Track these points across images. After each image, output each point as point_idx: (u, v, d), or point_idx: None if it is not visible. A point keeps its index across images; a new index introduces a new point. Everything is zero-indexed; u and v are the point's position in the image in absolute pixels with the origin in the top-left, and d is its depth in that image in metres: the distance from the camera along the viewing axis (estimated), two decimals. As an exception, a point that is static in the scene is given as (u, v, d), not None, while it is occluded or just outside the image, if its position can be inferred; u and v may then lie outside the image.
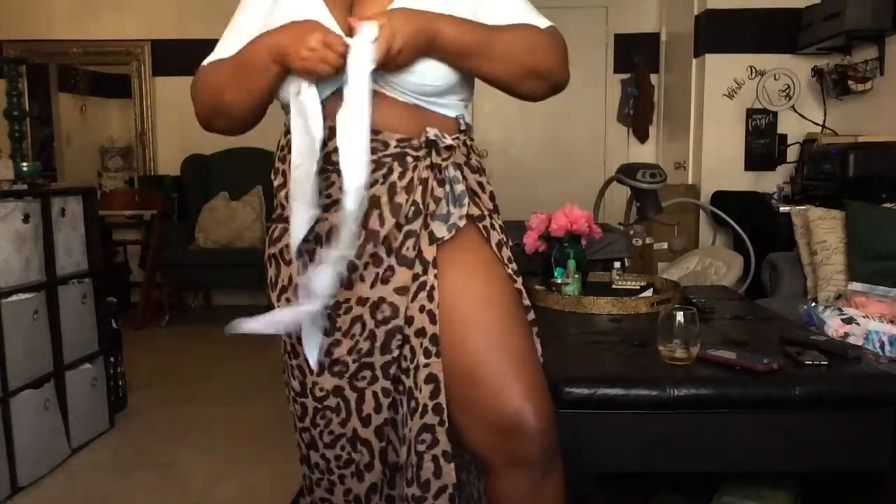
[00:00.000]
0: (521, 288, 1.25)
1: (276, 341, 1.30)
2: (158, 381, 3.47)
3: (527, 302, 1.26)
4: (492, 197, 1.28)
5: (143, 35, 5.13)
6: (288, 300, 1.22)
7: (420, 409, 1.16)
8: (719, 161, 4.18)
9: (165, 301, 4.70)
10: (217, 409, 3.09)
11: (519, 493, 1.16)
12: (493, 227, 1.24)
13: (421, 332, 1.16)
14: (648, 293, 2.15)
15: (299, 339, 1.21)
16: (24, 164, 2.69)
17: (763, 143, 4.09)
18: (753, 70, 4.06)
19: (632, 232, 3.04)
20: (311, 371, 1.21)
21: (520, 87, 1.20)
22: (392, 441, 1.23)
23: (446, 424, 1.16)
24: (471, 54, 1.14)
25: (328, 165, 1.14)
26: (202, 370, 3.72)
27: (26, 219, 2.37)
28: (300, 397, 1.25)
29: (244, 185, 4.81)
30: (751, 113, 4.09)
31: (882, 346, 1.77)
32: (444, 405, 1.15)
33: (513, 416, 1.13)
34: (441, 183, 1.18)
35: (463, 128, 1.24)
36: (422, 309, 1.16)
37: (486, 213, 1.24)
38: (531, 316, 1.28)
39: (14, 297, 2.30)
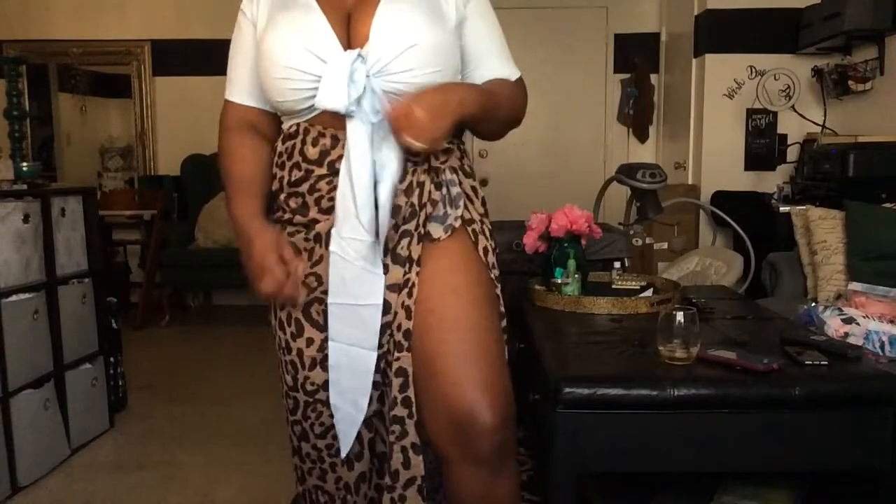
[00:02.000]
0: (499, 294, 1.29)
1: (271, 342, 1.32)
2: (158, 381, 3.47)
3: (502, 309, 1.29)
4: (483, 202, 1.32)
5: (143, 35, 5.13)
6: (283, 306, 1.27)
7: (390, 401, 1.20)
8: (719, 161, 4.17)
9: (165, 301, 4.70)
10: (217, 409, 3.09)
11: (472, 489, 1.18)
12: (482, 231, 1.28)
13: (399, 327, 1.20)
14: (648, 293, 2.15)
15: (293, 335, 1.26)
16: (24, 164, 2.69)
17: (763, 143, 4.09)
18: (753, 70, 4.06)
19: (632, 232, 3.04)
20: (304, 366, 1.25)
21: (497, 135, 1.32)
22: (380, 432, 1.27)
23: (415, 417, 1.19)
24: (479, 121, 1.23)
25: (331, 172, 1.19)
26: (202, 370, 3.72)
27: (26, 219, 2.37)
28: (292, 391, 1.29)
29: (244, 185, 4.81)
30: (751, 113, 4.09)
31: (882, 346, 1.77)
32: (413, 398, 1.19)
33: (467, 409, 1.14)
34: (438, 186, 1.23)
35: (455, 132, 1.27)
36: (402, 304, 1.20)
37: (476, 217, 1.28)
38: (503, 323, 1.30)
39: (14, 297, 2.30)
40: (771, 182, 3.93)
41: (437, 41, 1.17)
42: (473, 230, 1.27)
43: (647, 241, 3.29)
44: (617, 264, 2.50)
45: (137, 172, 5.27)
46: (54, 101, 5.33)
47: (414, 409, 1.19)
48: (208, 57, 5.12)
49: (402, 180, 1.19)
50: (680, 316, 1.49)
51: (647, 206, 2.86)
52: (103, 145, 5.44)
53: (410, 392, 1.19)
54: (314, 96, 1.14)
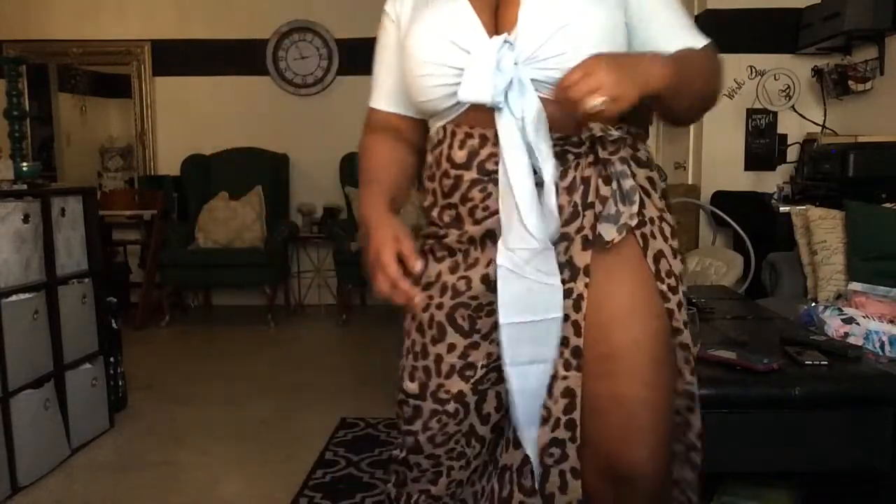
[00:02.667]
0: (674, 307, 1.13)
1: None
2: (158, 381, 3.47)
3: (677, 324, 1.13)
4: (664, 195, 1.17)
5: (143, 35, 5.13)
6: (430, 297, 1.16)
7: (552, 422, 1.10)
8: (719, 161, 4.17)
9: (165, 301, 4.70)
10: (217, 409, 3.09)
11: None
12: (653, 235, 1.12)
13: (563, 342, 1.09)
14: (648, 293, 2.15)
15: (433, 339, 1.16)
16: (24, 164, 2.69)
17: (763, 143, 4.09)
18: (753, 70, 4.06)
19: (632, 232, 3.04)
20: (440, 373, 1.15)
21: (693, 116, 1.20)
22: (503, 428, 1.19)
23: (578, 441, 1.09)
24: (673, 95, 1.06)
25: (483, 176, 1.09)
26: (202, 370, 3.72)
27: (26, 219, 2.37)
28: (416, 399, 1.18)
29: (244, 185, 4.82)
30: (751, 113, 4.08)
31: (882, 346, 1.76)
32: (578, 422, 1.09)
33: (626, 469, 1.07)
34: (607, 180, 1.09)
35: (625, 116, 1.10)
36: (566, 318, 1.09)
37: (649, 218, 1.12)
38: (684, 339, 1.14)
39: (14, 297, 2.30)
40: (771, 182, 3.93)
41: (594, 20, 1.04)
42: (643, 234, 1.11)
43: (647, 241, 3.28)
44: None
45: (137, 172, 5.27)
46: (54, 101, 5.33)
47: (577, 432, 1.09)
48: (208, 57, 5.13)
49: (562, 176, 1.07)
50: (680, 316, 1.48)
51: (647, 206, 2.85)
52: (103, 145, 5.45)
53: (576, 415, 1.08)
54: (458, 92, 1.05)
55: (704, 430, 1.17)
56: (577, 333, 1.08)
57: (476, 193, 1.10)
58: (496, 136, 1.05)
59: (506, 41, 1.03)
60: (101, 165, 5.43)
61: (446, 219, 1.14)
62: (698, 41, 1.15)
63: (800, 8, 3.85)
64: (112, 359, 2.93)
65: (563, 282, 1.08)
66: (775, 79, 3.97)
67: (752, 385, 1.42)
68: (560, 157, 1.08)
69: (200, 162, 4.96)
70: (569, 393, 1.09)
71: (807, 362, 1.50)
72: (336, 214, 5.04)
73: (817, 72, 3.84)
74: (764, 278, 3.02)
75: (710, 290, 2.48)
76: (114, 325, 2.97)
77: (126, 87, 5.20)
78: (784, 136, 4.06)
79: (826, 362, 1.50)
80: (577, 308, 1.08)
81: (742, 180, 4.10)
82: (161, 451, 2.64)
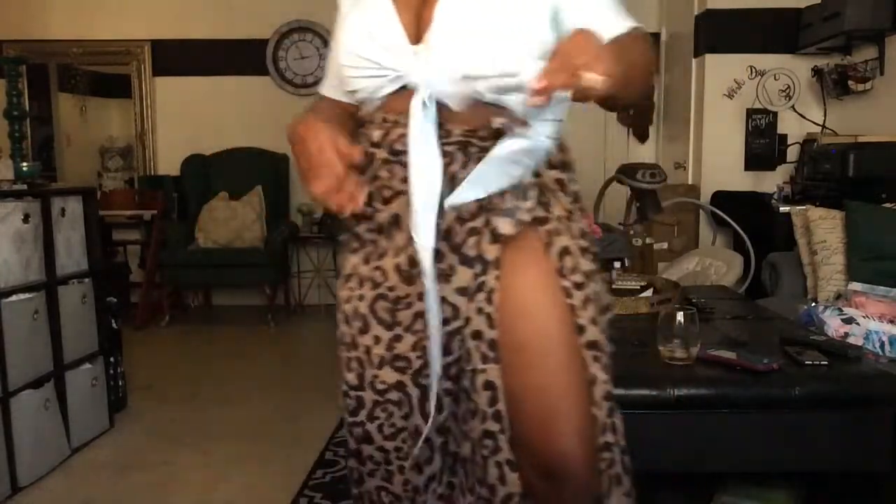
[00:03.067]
0: (578, 303, 1.12)
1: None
2: (158, 381, 3.47)
3: (581, 321, 1.12)
4: (575, 197, 1.18)
5: (143, 35, 5.13)
6: (351, 289, 1.19)
7: (480, 415, 1.11)
8: (719, 161, 4.17)
9: (165, 301, 4.70)
10: (217, 409, 3.09)
11: None
12: (559, 232, 1.13)
13: (478, 335, 1.10)
14: (648, 293, 2.15)
15: (360, 330, 1.18)
16: (24, 164, 2.68)
17: (763, 143, 4.09)
18: (753, 70, 4.06)
19: (632, 232, 3.04)
20: (371, 364, 1.17)
21: (635, 99, 1.16)
22: (453, 432, 1.19)
23: (507, 433, 1.10)
24: (624, 83, 0.99)
25: (391, 156, 1.12)
26: (202, 370, 3.72)
27: (26, 219, 2.37)
28: (356, 390, 1.20)
29: (244, 185, 4.82)
30: (751, 113, 4.09)
31: (882, 346, 1.77)
32: (504, 413, 1.10)
33: (553, 460, 1.07)
34: None
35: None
36: (479, 311, 1.10)
37: (556, 216, 1.14)
38: (589, 336, 1.13)
39: (14, 297, 2.30)
40: (771, 182, 3.93)
41: (513, 18, 1.06)
42: (548, 230, 1.13)
43: (647, 241, 3.29)
44: (617, 264, 2.49)
45: (137, 172, 5.27)
46: (54, 101, 5.33)
47: (506, 423, 1.10)
48: (208, 57, 5.13)
49: (464, 167, 1.09)
50: (680, 316, 1.48)
51: (647, 206, 2.86)
52: (103, 145, 5.44)
53: (501, 406, 1.09)
54: (380, 85, 1.10)
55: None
56: (491, 326, 1.10)
57: (384, 173, 1.13)
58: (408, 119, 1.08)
59: (421, 41, 1.07)
60: (101, 165, 5.43)
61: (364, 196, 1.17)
62: (628, 23, 1.13)
63: (800, 8, 3.85)
64: (112, 359, 2.93)
65: (476, 275, 1.10)
66: (775, 79, 3.97)
67: (752, 385, 1.42)
68: (463, 147, 1.10)
69: (200, 162, 4.96)
70: (490, 385, 1.10)
71: (807, 362, 1.50)
72: (336, 214, 5.03)
73: (817, 72, 3.84)
74: (764, 278, 3.02)
75: (710, 290, 2.48)
76: (114, 325, 2.97)
77: (126, 87, 5.20)
78: (784, 136, 4.07)
79: (826, 362, 1.50)
80: (489, 301, 1.10)
81: (742, 180, 4.10)
82: (161, 451, 2.64)
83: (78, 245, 2.67)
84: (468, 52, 1.06)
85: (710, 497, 1.64)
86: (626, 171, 2.85)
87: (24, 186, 2.52)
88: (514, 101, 1.01)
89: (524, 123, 1.09)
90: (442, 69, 1.06)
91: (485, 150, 1.09)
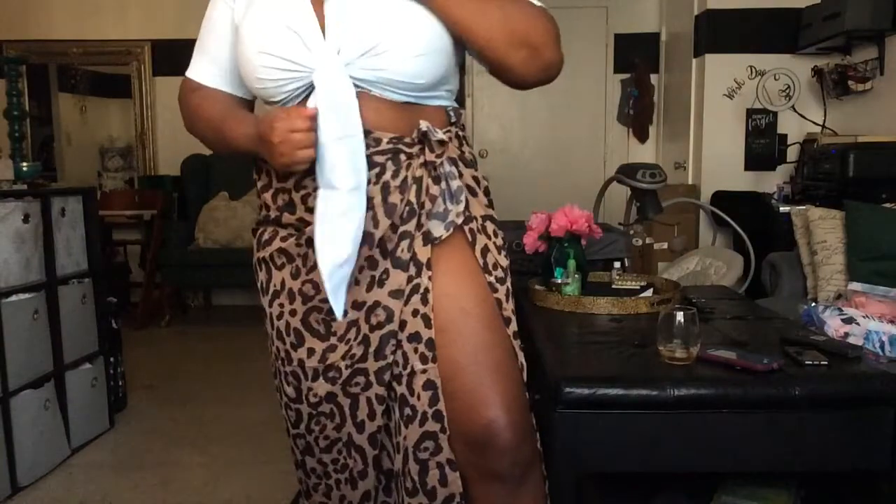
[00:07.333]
0: (503, 297, 1.21)
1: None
2: (158, 381, 3.47)
3: (507, 313, 1.21)
4: (486, 192, 1.24)
5: (143, 35, 5.13)
6: (281, 305, 1.20)
7: (419, 417, 1.14)
8: (719, 161, 4.18)
9: (165, 301, 4.70)
10: (217, 409, 3.09)
11: None
12: (479, 230, 1.20)
13: (415, 337, 1.14)
14: (648, 293, 2.15)
15: (293, 345, 1.19)
16: (24, 164, 2.69)
17: (763, 143, 4.09)
18: (753, 70, 4.06)
19: (632, 232, 3.04)
20: (306, 377, 1.19)
21: (511, 56, 1.11)
22: (386, 447, 1.22)
23: (448, 432, 1.13)
24: (463, 19, 1.09)
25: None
26: (202, 370, 3.72)
27: (26, 219, 2.37)
28: (294, 403, 1.22)
29: (244, 185, 4.81)
30: (751, 113, 4.09)
31: (882, 346, 1.76)
32: (444, 412, 1.13)
33: (484, 430, 1.11)
34: (437, 180, 1.15)
35: (453, 119, 1.21)
36: (415, 313, 1.14)
37: (476, 214, 1.20)
38: (513, 327, 1.23)
39: (14, 297, 2.30)
40: (771, 182, 3.93)
41: (409, 10, 1.09)
42: (471, 229, 1.19)
43: (647, 241, 3.29)
44: (617, 264, 2.49)
45: (137, 172, 5.27)
46: (54, 101, 5.33)
47: (446, 423, 1.13)
48: (208, 57, 5.12)
49: (395, 175, 1.12)
50: (680, 316, 1.48)
51: (647, 206, 2.86)
52: (103, 145, 5.44)
53: (441, 406, 1.13)
54: (293, 81, 1.10)
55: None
56: (428, 326, 1.14)
57: (310, 182, 1.14)
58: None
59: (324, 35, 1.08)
60: (101, 165, 5.43)
61: (280, 202, 1.19)
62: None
63: (800, 8, 3.85)
64: (112, 359, 2.93)
65: (410, 278, 1.13)
66: (775, 79, 3.97)
67: (752, 385, 1.42)
68: (393, 156, 1.12)
69: (200, 162, 4.96)
70: (431, 385, 1.13)
71: (807, 362, 1.49)
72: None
73: (817, 72, 3.84)
74: (764, 278, 3.02)
75: (710, 290, 2.47)
76: (114, 325, 2.97)
77: (126, 87, 5.20)
78: (784, 136, 4.07)
79: (826, 362, 1.50)
80: (424, 301, 1.14)
81: (742, 180, 4.10)
82: (161, 451, 2.64)
83: (78, 245, 2.67)
84: (369, 42, 1.07)
85: (710, 497, 1.64)
86: (626, 171, 2.85)
87: (24, 186, 2.52)
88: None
89: (451, 123, 1.19)
90: (348, 59, 1.07)
91: (412, 158, 1.13)
